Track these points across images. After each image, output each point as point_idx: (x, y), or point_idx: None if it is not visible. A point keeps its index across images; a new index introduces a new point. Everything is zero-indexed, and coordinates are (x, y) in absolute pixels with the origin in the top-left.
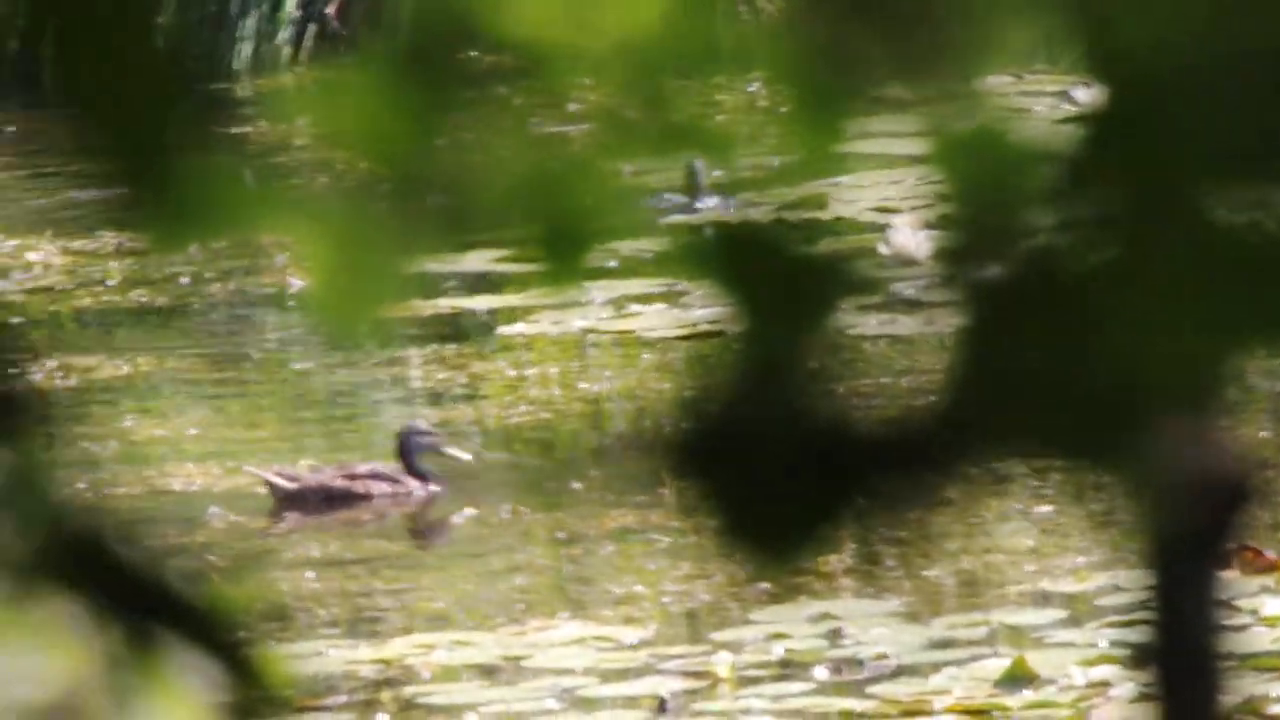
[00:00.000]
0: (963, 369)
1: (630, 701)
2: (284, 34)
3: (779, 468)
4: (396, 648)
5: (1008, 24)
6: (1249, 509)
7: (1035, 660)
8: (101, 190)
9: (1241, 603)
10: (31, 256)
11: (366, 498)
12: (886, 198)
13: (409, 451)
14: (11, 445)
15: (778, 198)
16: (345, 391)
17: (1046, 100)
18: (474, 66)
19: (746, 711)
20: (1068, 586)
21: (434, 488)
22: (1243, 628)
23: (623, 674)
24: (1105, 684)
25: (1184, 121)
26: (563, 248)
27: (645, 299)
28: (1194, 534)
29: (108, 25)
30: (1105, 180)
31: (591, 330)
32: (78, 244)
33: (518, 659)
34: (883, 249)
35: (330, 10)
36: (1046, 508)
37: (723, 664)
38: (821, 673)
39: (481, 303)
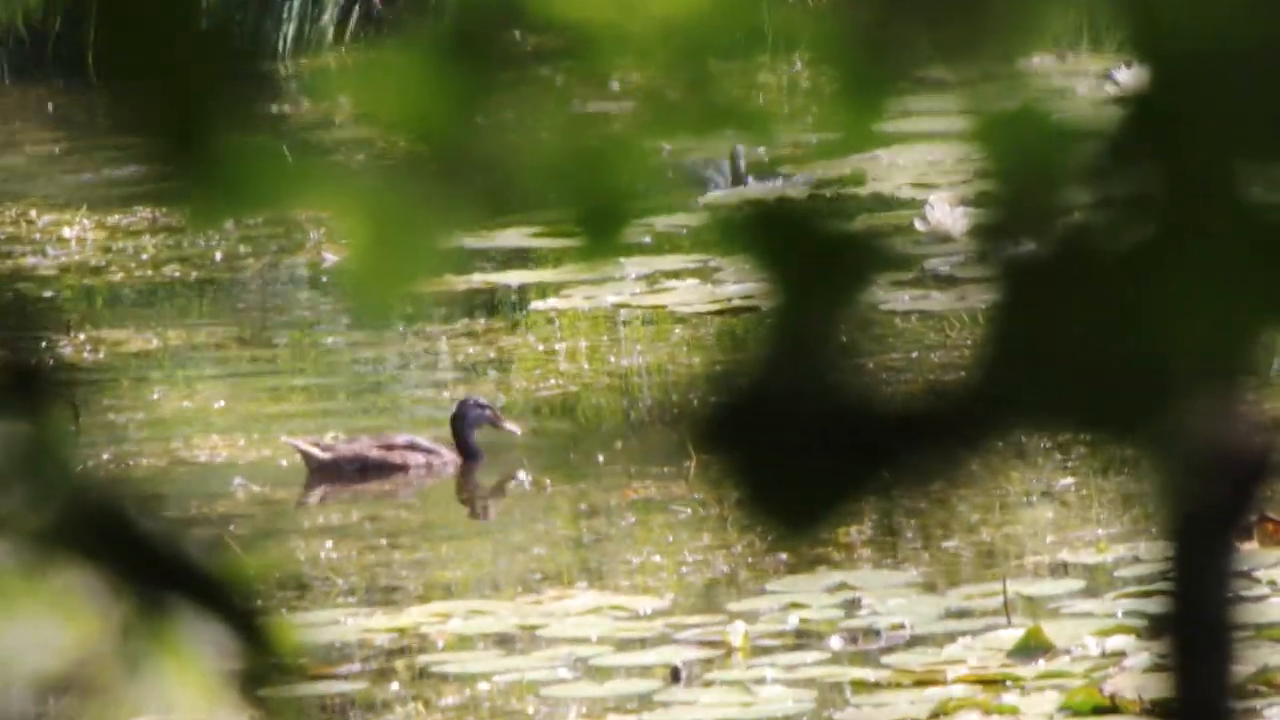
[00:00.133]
0: (994, 345)
1: (644, 671)
2: (328, 14)
3: (806, 441)
4: (412, 616)
5: (1050, 4)
6: (1269, 482)
7: (1051, 630)
8: (140, 167)
9: (1260, 574)
10: (66, 232)
11: (402, 468)
12: (925, 174)
13: (464, 424)
14: (34, 417)
15: (816, 174)
16: (375, 364)
17: (1088, 81)
18: (517, 47)
19: (759, 680)
20: (1087, 558)
21: (473, 460)
22: (1261, 598)
23: (637, 643)
24: (1120, 654)
25: (1223, 102)
26: (600, 224)
27: (678, 274)
28: (1214, 506)
29: (151, 3)
30: (1142, 160)
31: (624, 305)
32: (113, 219)
33: (533, 628)
34: (920, 225)
35: None
36: (1068, 480)
37: (737, 633)
38: (836, 642)
39: (514, 278)
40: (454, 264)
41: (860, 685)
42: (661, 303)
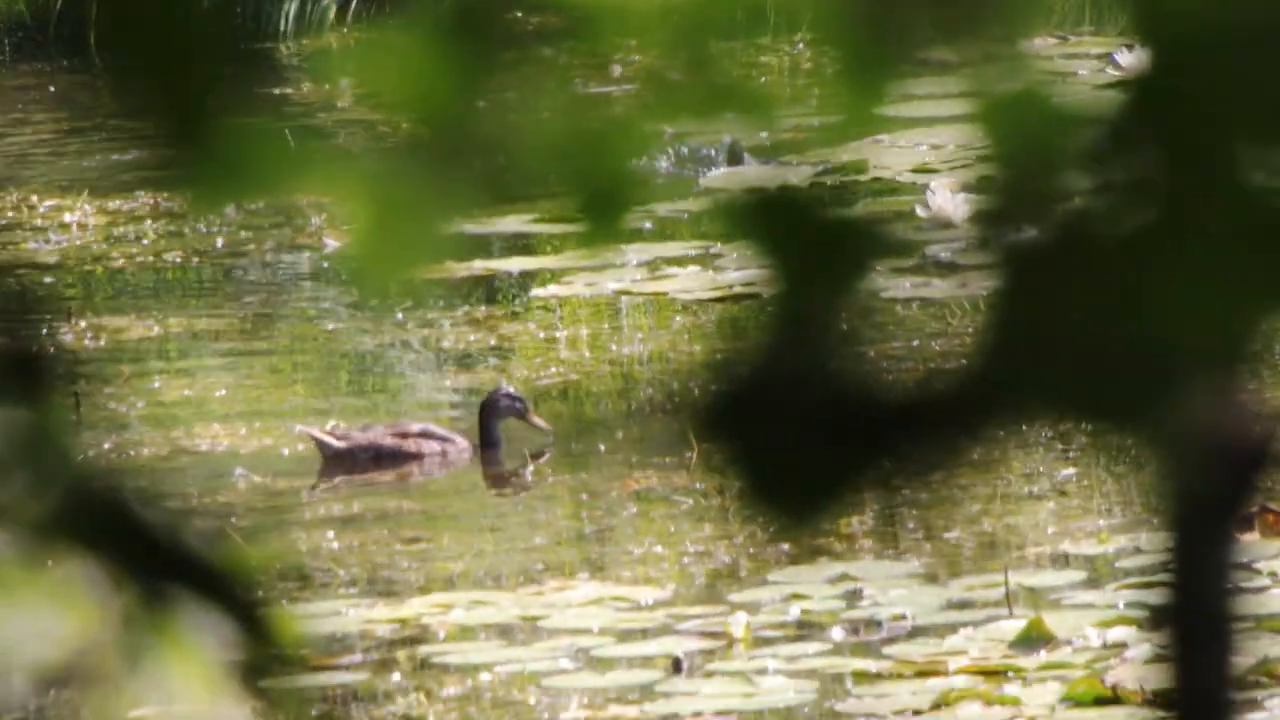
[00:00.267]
0: (994, 331)
1: (646, 661)
2: None
3: (807, 430)
4: (414, 607)
5: None
6: (1269, 471)
7: (1052, 621)
8: (142, 150)
9: (1261, 565)
10: (67, 217)
11: (417, 457)
12: (927, 160)
13: (493, 413)
14: (34, 405)
15: (818, 160)
16: (375, 352)
17: (1091, 63)
18: (518, 27)
19: (761, 671)
20: (1088, 548)
21: (491, 449)
22: (1262, 590)
23: (639, 634)
24: (1122, 645)
25: (1225, 86)
26: (601, 208)
27: (680, 261)
28: (1214, 495)
29: None
30: (1144, 145)
31: (625, 292)
32: (115, 205)
33: (535, 619)
34: (921, 211)
35: None
36: (1069, 470)
37: (738, 624)
38: (838, 633)
39: (515, 264)
40: (456, 250)
41: (862, 676)
42: (663, 290)
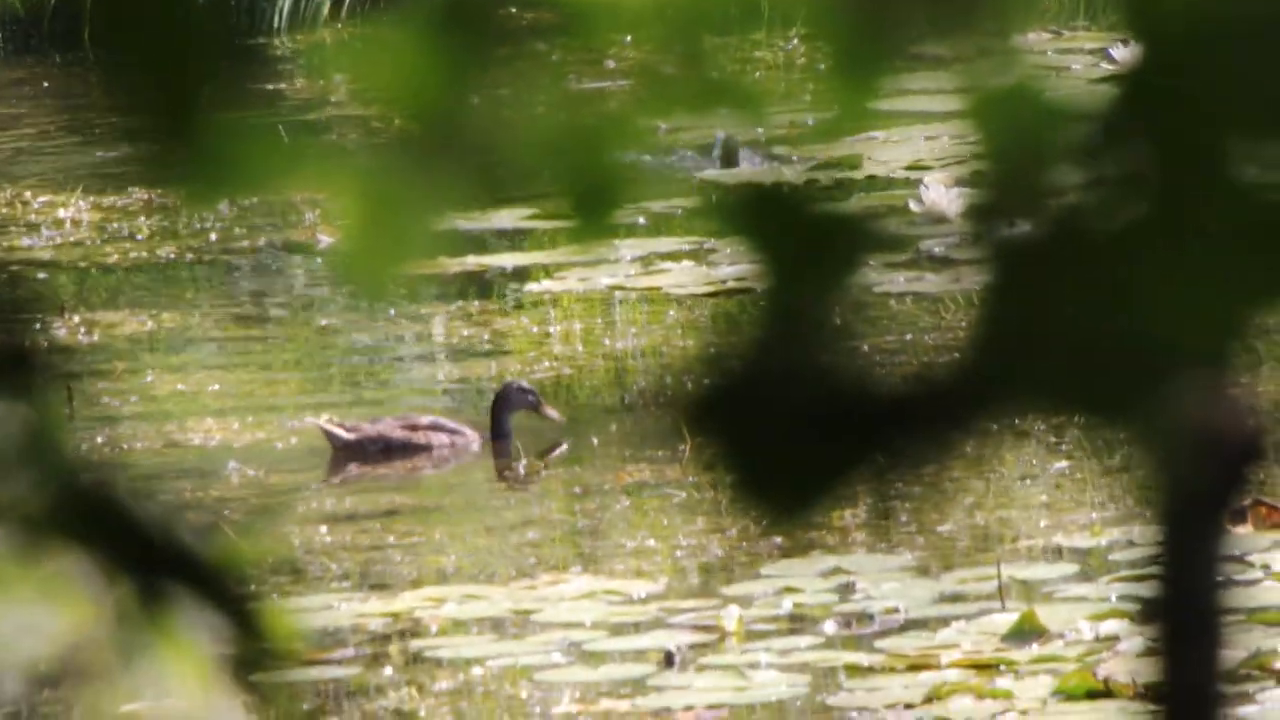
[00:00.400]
0: (986, 326)
1: (638, 655)
2: None
3: (799, 424)
4: (406, 601)
5: None
6: (1261, 464)
7: (1044, 614)
8: (135, 146)
9: (1254, 558)
10: (62, 213)
11: (426, 449)
12: (921, 155)
13: (506, 406)
14: (28, 400)
15: (813, 155)
16: (369, 347)
17: (1084, 58)
18: (512, 23)
19: (753, 665)
20: (1081, 542)
21: (501, 442)
22: (1254, 582)
23: (631, 628)
24: (1114, 638)
25: (1217, 81)
26: (593, 204)
27: (674, 256)
28: (1205, 489)
29: None
30: (1136, 140)
31: (618, 287)
32: (109, 200)
33: (527, 613)
34: (915, 206)
35: None
36: (1062, 463)
37: (731, 618)
38: (830, 627)
39: (508, 259)
40: (448, 245)
41: (854, 669)
42: (656, 285)
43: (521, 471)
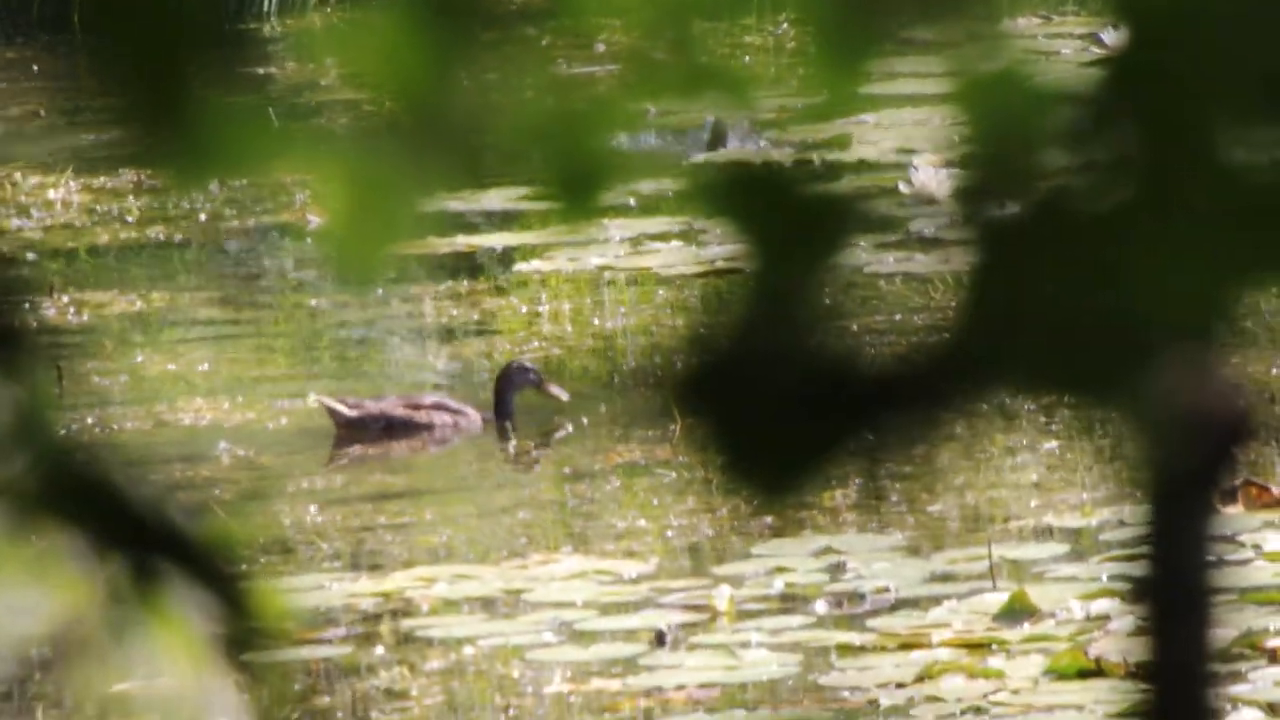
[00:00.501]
0: (974, 306)
1: (629, 635)
2: None
3: (786, 404)
4: (397, 581)
5: None
6: (1248, 444)
7: (1035, 594)
8: (125, 128)
9: (1244, 538)
10: (51, 194)
11: (428, 428)
12: (911, 138)
13: (509, 386)
14: (17, 380)
15: (801, 139)
16: (359, 327)
17: (1073, 42)
18: (501, 6)
19: (744, 644)
20: (1072, 521)
21: (504, 422)
22: (1245, 562)
23: (622, 607)
24: (1105, 618)
25: (1203, 64)
26: (580, 187)
27: (663, 237)
28: (1194, 469)
29: None
30: (1123, 122)
31: (607, 267)
32: (99, 181)
33: (518, 592)
34: (904, 188)
35: None
36: (1053, 443)
37: (722, 597)
38: (821, 606)
39: (498, 240)
40: (436, 226)
41: (845, 649)
42: (646, 265)
43: (512, 451)
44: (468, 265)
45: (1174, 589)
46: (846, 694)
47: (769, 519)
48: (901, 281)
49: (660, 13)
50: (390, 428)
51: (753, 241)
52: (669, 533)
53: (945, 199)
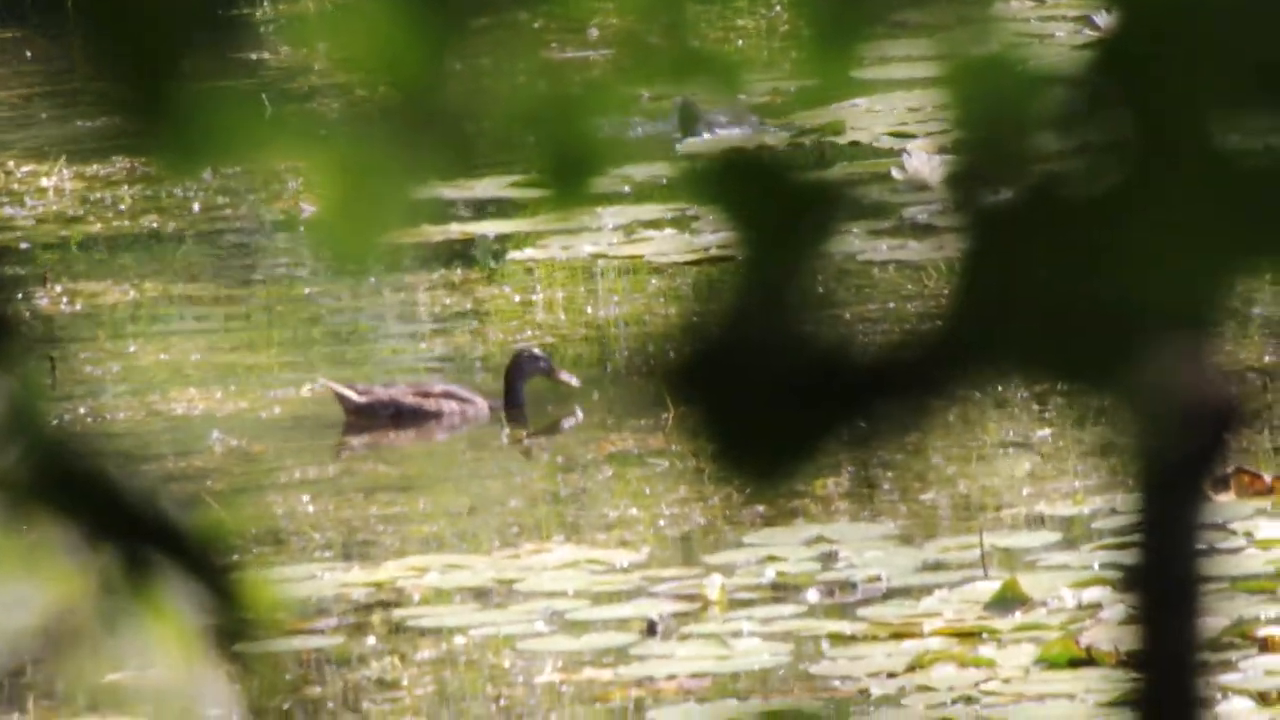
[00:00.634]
0: (967, 292)
1: (621, 624)
2: None
3: (778, 392)
4: (389, 571)
5: None
6: (1240, 431)
7: (1027, 583)
8: (118, 115)
9: (1236, 525)
10: (44, 182)
11: (436, 415)
12: (903, 123)
13: (519, 375)
14: (9, 369)
15: (794, 123)
16: (352, 316)
17: (1066, 25)
18: None
19: (736, 634)
20: (1064, 510)
21: (515, 409)
22: (1237, 550)
23: (614, 597)
24: (1096, 606)
25: (1195, 47)
26: (571, 173)
27: (656, 224)
28: (1187, 457)
29: None
30: (1115, 106)
31: (601, 255)
32: (91, 169)
33: (510, 582)
34: (897, 174)
35: None
36: (1045, 432)
37: (713, 586)
38: (812, 595)
39: (490, 228)
40: (429, 214)
41: (837, 638)
42: (639, 253)
43: (505, 441)
44: (461, 253)
45: (1165, 577)
46: (838, 683)
47: (761, 508)
48: (894, 268)
49: None
50: (399, 415)
51: (744, 228)
52: (661, 522)
53: (938, 185)
